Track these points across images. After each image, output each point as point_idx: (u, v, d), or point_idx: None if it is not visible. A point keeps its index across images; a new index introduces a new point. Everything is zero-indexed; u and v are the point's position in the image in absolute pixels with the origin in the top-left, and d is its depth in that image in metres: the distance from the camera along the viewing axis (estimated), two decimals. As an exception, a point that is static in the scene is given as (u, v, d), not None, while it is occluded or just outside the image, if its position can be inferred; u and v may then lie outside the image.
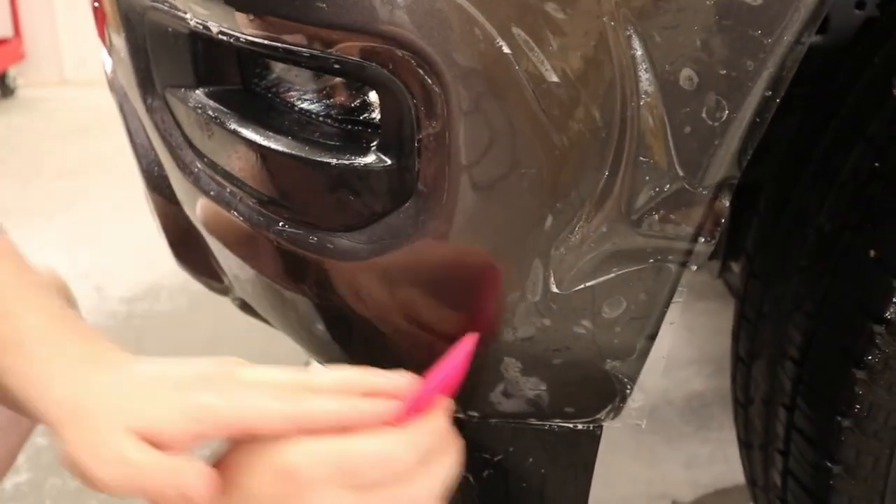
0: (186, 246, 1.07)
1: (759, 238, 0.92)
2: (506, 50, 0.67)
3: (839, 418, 0.78)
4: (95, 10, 1.13)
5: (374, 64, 0.70)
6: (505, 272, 0.74)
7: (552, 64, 0.67)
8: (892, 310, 0.73)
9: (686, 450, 1.77)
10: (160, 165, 1.07)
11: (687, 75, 0.67)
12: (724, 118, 0.68)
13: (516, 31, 0.67)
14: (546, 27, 0.66)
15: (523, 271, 0.74)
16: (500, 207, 0.72)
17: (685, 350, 2.07)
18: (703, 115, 0.68)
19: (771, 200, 0.91)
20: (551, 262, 0.73)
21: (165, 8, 0.85)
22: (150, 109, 0.96)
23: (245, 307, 1.12)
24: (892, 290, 0.73)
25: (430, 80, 0.69)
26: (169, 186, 1.06)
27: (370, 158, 0.74)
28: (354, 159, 0.75)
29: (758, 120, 0.68)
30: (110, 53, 1.12)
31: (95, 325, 2.35)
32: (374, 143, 0.75)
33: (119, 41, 0.98)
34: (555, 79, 0.68)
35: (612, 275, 0.73)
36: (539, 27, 0.66)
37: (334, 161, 0.75)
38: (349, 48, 0.71)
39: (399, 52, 0.69)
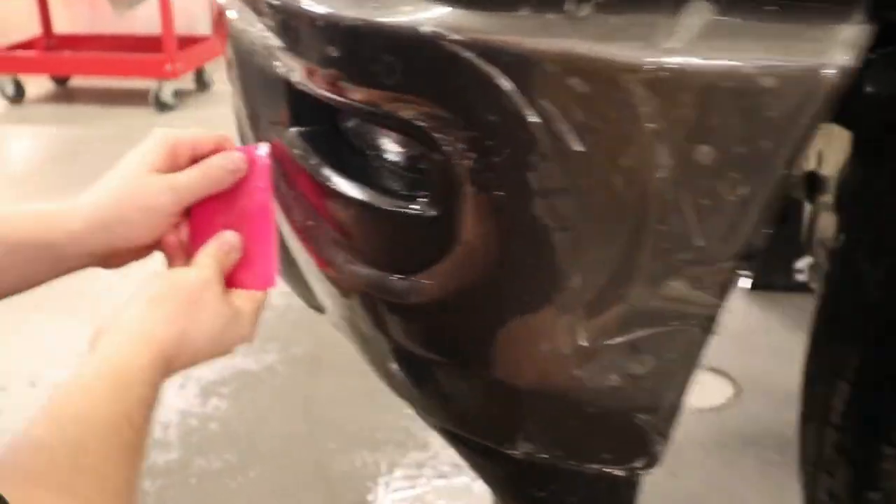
0: (287, 262, 1.15)
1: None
2: (534, 119, 0.71)
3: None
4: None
5: (419, 121, 0.76)
6: (536, 323, 0.79)
7: (578, 134, 0.71)
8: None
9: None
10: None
11: (704, 151, 0.69)
12: (743, 193, 0.69)
13: (544, 102, 0.71)
14: (571, 100, 0.70)
15: (553, 324, 0.78)
16: (530, 262, 0.77)
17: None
18: (722, 189, 0.70)
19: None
20: (579, 319, 0.77)
21: (265, 54, 0.93)
22: (258, 140, 1.05)
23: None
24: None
25: (467, 141, 0.74)
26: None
27: (418, 207, 0.80)
28: (404, 207, 0.81)
29: (776, 195, 0.69)
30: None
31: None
32: (425, 193, 0.81)
33: (233, 76, 1.08)
34: (580, 148, 0.71)
35: (637, 334, 0.76)
36: (565, 100, 0.70)
37: (386, 206, 0.82)
38: (399, 108, 0.77)
39: (441, 113, 0.74)
